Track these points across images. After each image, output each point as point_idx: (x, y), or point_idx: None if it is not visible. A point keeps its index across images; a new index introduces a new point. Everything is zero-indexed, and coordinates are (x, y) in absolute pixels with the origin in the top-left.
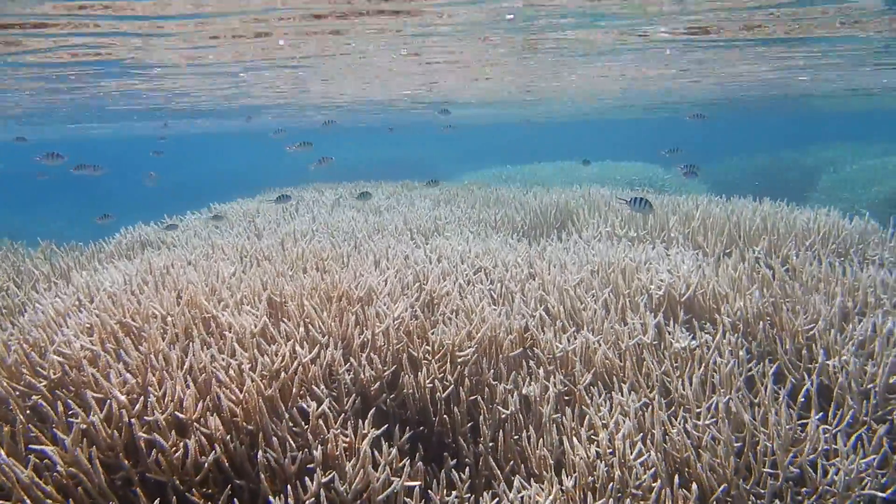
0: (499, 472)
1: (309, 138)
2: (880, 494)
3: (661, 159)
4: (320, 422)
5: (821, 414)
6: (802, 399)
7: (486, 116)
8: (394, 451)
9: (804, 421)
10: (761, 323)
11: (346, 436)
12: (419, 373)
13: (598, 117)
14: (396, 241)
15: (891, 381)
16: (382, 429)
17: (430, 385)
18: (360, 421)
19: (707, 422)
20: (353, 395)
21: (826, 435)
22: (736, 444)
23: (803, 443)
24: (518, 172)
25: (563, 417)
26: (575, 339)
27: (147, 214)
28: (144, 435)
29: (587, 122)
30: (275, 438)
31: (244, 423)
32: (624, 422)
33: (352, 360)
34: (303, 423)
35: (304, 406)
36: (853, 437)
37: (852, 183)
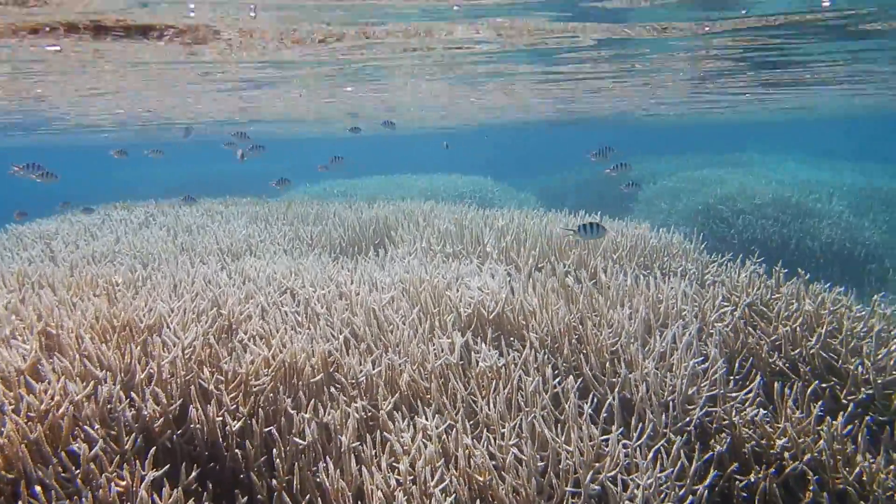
0: None
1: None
2: None
3: (492, 172)
4: (92, 465)
5: (621, 429)
6: (605, 414)
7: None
8: (176, 492)
9: (607, 436)
10: (567, 338)
11: (123, 479)
12: (209, 405)
13: (440, 131)
14: (201, 263)
15: (689, 391)
16: (165, 469)
17: (220, 418)
18: (142, 462)
19: (511, 442)
20: (134, 433)
21: (626, 449)
22: (540, 464)
23: (605, 459)
24: (352, 187)
25: (364, 446)
26: (380, 362)
27: None
28: None
29: (429, 135)
30: (38, 487)
31: (4, 472)
32: (426, 447)
33: (133, 395)
34: (73, 468)
35: (76, 449)
36: (652, 451)
37: (669, 194)
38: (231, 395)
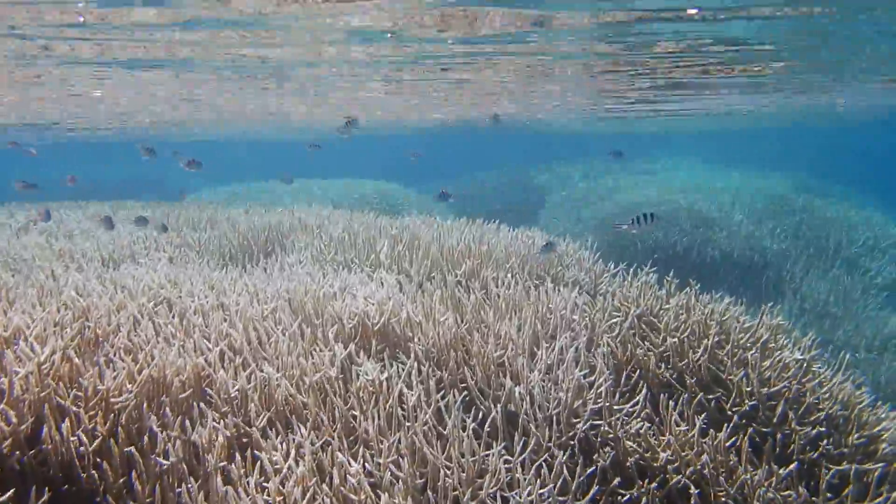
0: None
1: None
2: None
3: (402, 178)
4: None
5: (504, 444)
6: (489, 429)
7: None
8: None
9: (489, 452)
10: (453, 351)
11: None
12: (63, 424)
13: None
14: (77, 270)
15: (575, 404)
16: (9, 493)
17: (75, 438)
18: None
19: (389, 459)
20: None
21: (509, 465)
22: (419, 481)
23: (487, 475)
24: (255, 190)
25: (234, 465)
26: (256, 376)
27: None
28: None
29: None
30: None
31: None
32: (298, 465)
33: None
34: None
35: None
36: (534, 465)
37: (576, 201)
38: (90, 413)
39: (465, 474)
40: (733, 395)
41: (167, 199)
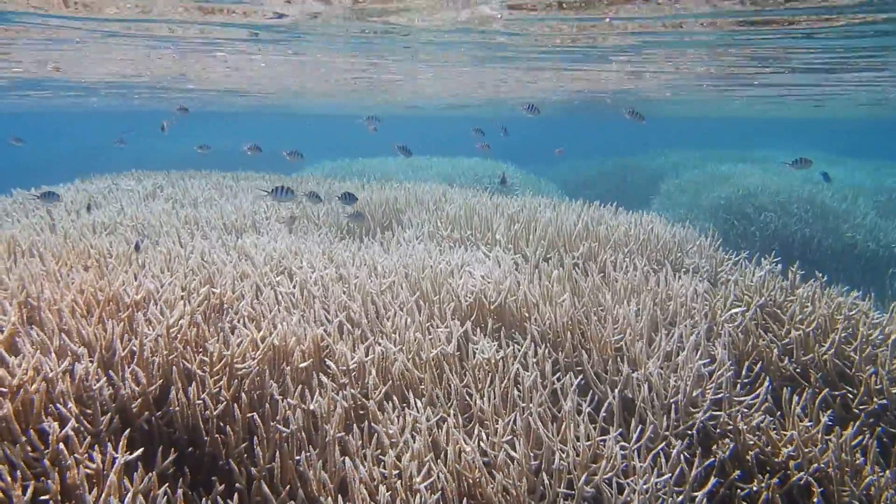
0: (273, 497)
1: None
2: None
3: (515, 158)
4: (62, 445)
5: (620, 430)
6: (604, 414)
7: (347, 107)
8: (148, 478)
9: (605, 437)
10: (569, 333)
11: (94, 461)
12: (191, 387)
13: (461, 112)
14: (202, 238)
15: (693, 394)
16: (138, 452)
17: (201, 401)
18: (116, 444)
19: (503, 439)
20: (110, 413)
21: (624, 451)
22: (533, 463)
23: (602, 460)
24: (368, 166)
25: (351, 436)
26: (374, 349)
27: None
28: None
29: (449, 117)
30: (2, 468)
31: None
32: (414, 440)
33: (112, 373)
34: (43, 447)
35: (47, 427)
36: (651, 454)
37: (691, 188)
38: (215, 378)
39: (579, 458)
40: (861, 392)
41: (281, 171)
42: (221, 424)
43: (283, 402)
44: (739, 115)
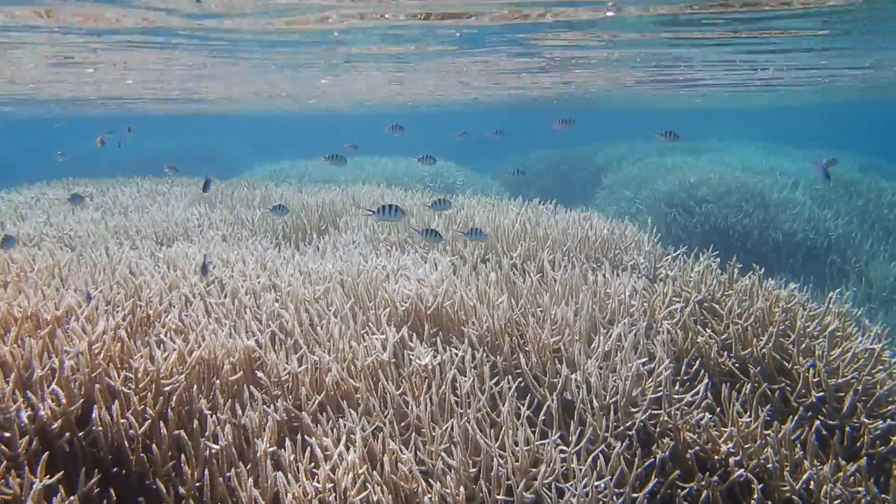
0: None
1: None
2: None
3: (454, 156)
4: None
5: (560, 433)
6: (544, 417)
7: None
8: (69, 502)
9: (545, 441)
10: (507, 336)
11: (10, 488)
12: (113, 406)
13: (411, 111)
14: (131, 248)
15: (633, 393)
16: (59, 475)
17: (125, 420)
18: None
19: (441, 447)
20: (29, 435)
21: (564, 455)
22: (472, 470)
23: (542, 465)
24: (309, 167)
25: (284, 450)
26: (307, 359)
27: None
28: None
29: (394, 115)
30: None
31: None
32: (348, 452)
33: (30, 394)
34: None
35: None
36: (591, 456)
37: (633, 181)
38: (140, 395)
39: (518, 463)
40: (799, 385)
41: (222, 176)
42: (148, 443)
43: (212, 417)
44: (689, 108)
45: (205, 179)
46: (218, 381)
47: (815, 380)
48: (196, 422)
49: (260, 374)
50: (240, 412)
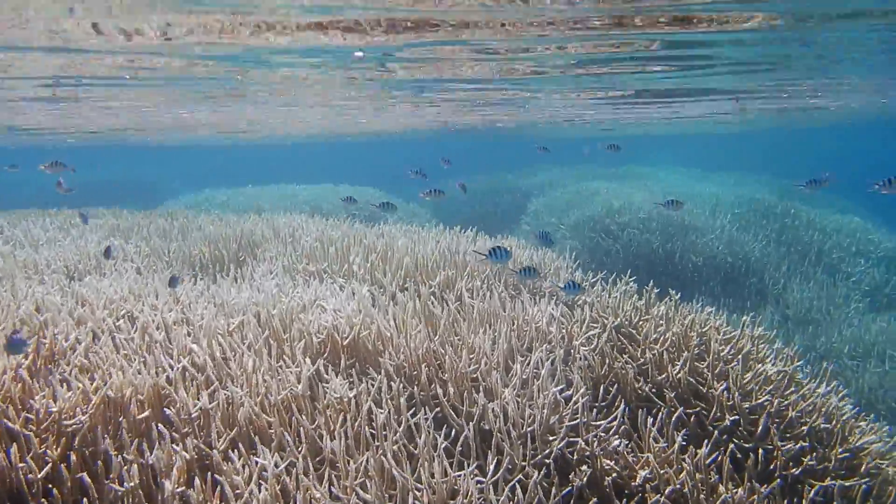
0: None
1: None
2: None
3: (383, 183)
4: None
5: (477, 463)
6: (461, 448)
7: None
8: None
9: (461, 473)
10: (425, 366)
11: None
12: (11, 449)
13: (338, 140)
14: (39, 283)
15: (550, 421)
16: None
17: (24, 464)
18: None
19: (356, 482)
20: None
21: (482, 485)
22: None
23: (458, 497)
24: (234, 196)
25: (192, 490)
26: (219, 394)
27: None
28: None
29: (328, 143)
30: None
31: None
32: (260, 490)
33: None
34: None
35: None
36: (508, 486)
37: (558, 206)
38: (41, 437)
39: (435, 496)
40: (714, 409)
41: (146, 206)
42: (49, 487)
43: (118, 457)
44: (622, 133)
45: (79, 213)
46: (125, 420)
47: (729, 403)
48: (101, 463)
49: (170, 411)
50: (147, 452)
